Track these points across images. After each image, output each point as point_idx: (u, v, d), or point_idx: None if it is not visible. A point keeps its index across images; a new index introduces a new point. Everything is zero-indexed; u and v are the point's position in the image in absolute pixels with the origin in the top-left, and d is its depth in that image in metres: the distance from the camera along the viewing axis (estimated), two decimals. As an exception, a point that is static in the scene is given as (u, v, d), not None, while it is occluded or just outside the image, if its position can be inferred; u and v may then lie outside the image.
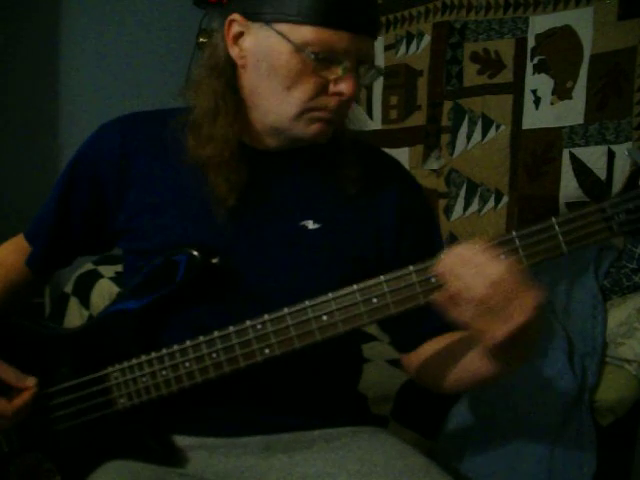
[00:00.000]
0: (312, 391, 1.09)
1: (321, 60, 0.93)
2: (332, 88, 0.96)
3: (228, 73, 1.01)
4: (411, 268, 0.88)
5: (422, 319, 0.96)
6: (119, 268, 2.51)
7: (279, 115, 0.98)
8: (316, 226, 1.05)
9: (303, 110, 0.97)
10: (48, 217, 1.12)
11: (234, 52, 0.99)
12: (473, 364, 0.96)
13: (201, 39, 3.13)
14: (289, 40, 0.93)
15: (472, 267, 0.82)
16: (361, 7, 0.93)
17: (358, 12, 0.93)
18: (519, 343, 0.86)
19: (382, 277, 0.89)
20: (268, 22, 0.94)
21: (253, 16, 0.96)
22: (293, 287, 0.99)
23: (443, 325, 1.05)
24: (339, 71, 0.94)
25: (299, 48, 0.92)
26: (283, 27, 0.93)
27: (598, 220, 0.83)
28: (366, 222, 1.08)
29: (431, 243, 1.13)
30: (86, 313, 2.55)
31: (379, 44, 2.80)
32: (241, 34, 0.98)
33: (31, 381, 1.04)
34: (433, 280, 0.87)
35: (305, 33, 0.92)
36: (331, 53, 0.93)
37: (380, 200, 1.09)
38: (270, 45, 0.95)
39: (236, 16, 0.97)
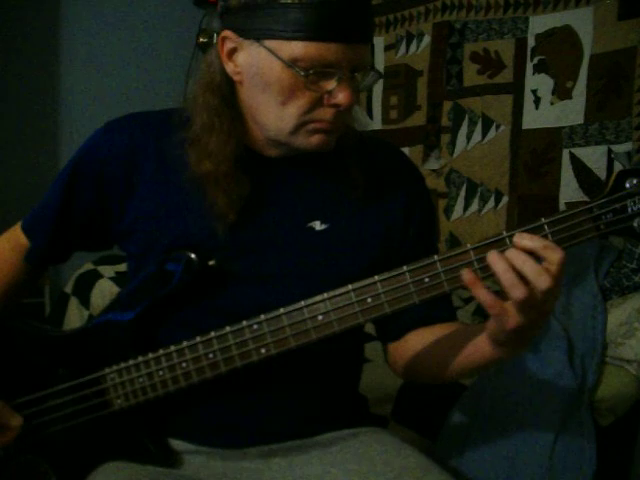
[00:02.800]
0: (313, 397, 1.09)
1: (311, 75, 0.92)
2: (327, 100, 0.95)
3: (224, 89, 1.00)
4: (405, 268, 0.89)
5: (407, 309, 0.96)
6: (119, 268, 2.51)
7: (277, 130, 0.98)
8: (323, 227, 1.05)
9: (299, 124, 0.96)
10: (49, 212, 1.11)
11: (229, 68, 0.99)
12: (473, 352, 0.96)
13: (201, 39, 3.13)
14: (278, 57, 0.92)
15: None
16: (349, 17, 0.91)
17: (347, 22, 0.91)
18: (529, 333, 0.87)
19: (376, 277, 0.90)
20: (258, 39, 0.93)
21: (244, 32, 0.95)
22: (301, 289, 0.98)
23: (427, 316, 1.06)
24: (332, 84, 0.93)
25: (289, 64, 0.91)
26: (272, 43, 0.92)
27: (586, 220, 0.85)
28: (374, 220, 1.08)
29: (430, 240, 1.14)
30: (86, 313, 2.55)
31: (379, 44, 2.80)
32: (235, 50, 0.97)
33: (17, 421, 1.04)
34: (427, 280, 0.88)
35: (294, 49, 0.91)
36: (322, 67, 0.91)
37: (387, 198, 1.09)
38: (261, 61, 0.94)
39: (228, 33, 0.96)
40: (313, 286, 0.94)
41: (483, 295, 0.83)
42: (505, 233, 0.86)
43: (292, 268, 1.03)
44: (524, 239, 0.83)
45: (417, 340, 1.08)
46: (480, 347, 0.94)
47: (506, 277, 0.81)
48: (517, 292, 0.81)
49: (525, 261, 0.81)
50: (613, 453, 1.58)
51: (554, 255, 0.81)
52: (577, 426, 1.52)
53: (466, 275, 0.84)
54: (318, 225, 1.05)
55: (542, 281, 0.80)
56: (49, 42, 3.03)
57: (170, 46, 3.21)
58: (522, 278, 0.81)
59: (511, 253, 0.82)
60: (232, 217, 1.00)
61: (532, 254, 0.83)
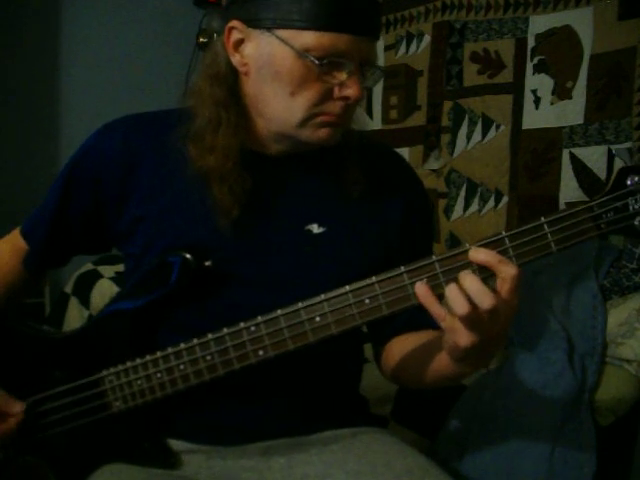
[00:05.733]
0: (313, 396, 1.09)
1: (324, 65, 0.92)
2: (337, 93, 0.95)
3: (230, 81, 1.00)
4: (402, 269, 0.88)
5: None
6: (119, 268, 2.51)
7: (284, 122, 0.98)
8: (321, 230, 1.04)
9: (308, 116, 0.96)
10: (46, 215, 1.11)
11: (235, 59, 0.98)
12: (439, 363, 0.96)
13: (201, 39, 3.13)
14: (291, 46, 0.92)
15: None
16: (362, 9, 0.93)
17: (359, 14, 0.92)
18: (484, 351, 0.86)
19: (374, 278, 0.89)
20: (269, 28, 0.93)
21: (253, 23, 0.95)
22: (299, 292, 0.99)
23: (414, 320, 1.06)
24: (343, 75, 0.93)
25: (301, 54, 0.92)
26: (284, 33, 0.92)
27: (586, 219, 0.84)
28: (372, 223, 1.08)
29: (428, 240, 1.14)
30: (86, 313, 2.55)
31: (379, 44, 2.80)
32: (242, 41, 0.97)
33: (19, 407, 1.04)
34: (425, 281, 0.88)
35: (307, 38, 0.91)
36: (334, 57, 0.92)
37: (386, 200, 1.09)
38: (272, 51, 0.94)
39: (236, 23, 0.96)
40: (311, 289, 0.94)
41: (434, 308, 0.83)
42: (504, 233, 0.85)
43: (290, 271, 1.03)
44: (479, 253, 0.83)
45: (400, 346, 1.08)
46: (443, 360, 0.94)
47: (451, 295, 0.81)
48: (460, 309, 0.80)
49: (471, 281, 0.80)
50: (613, 453, 1.58)
51: (508, 271, 0.81)
52: (577, 426, 1.52)
53: (419, 288, 0.84)
54: (316, 228, 1.04)
55: (485, 301, 0.79)
56: (49, 42, 3.02)
57: (170, 46, 3.21)
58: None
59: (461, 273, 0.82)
60: (236, 212, 1.00)
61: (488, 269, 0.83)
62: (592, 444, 1.48)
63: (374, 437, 1.10)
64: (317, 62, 0.91)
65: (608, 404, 1.62)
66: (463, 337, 0.83)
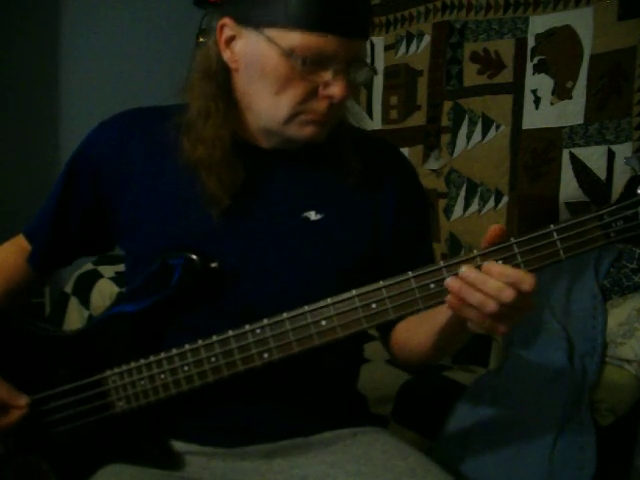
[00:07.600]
0: (312, 397, 1.09)
1: (309, 65, 0.93)
2: (322, 92, 0.96)
3: (220, 76, 1.01)
4: (410, 273, 0.88)
5: None
6: (119, 268, 2.52)
7: (271, 119, 0.99)
8: (319, 217, 1.05)
9: (293, 114, 0.97)
10: (48, 214, 1.12)
11: (226, 55, 1.00)
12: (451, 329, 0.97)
13: (201, 39, 3.13)
14: (277, 45, 0.93)
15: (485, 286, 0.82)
16: (349, 10, 0.93)
17: (346, 15, 0.93)
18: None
19: (381, 282, 0.89)
20: (257, 27, 0.94)
21: (243, 20, 0.96)
22: (296, 279, 0.98)
23: None
24: (328, 75, 0.94)
25: (287, 53, 0.93)
26: (272, 32, 0.93)
27: (596, 227, 0.83)
28: (367, 211, 1.08)
29: (424, 233, 1.14)
30: (86, 313, 2.55)
31: (379, 44, 2.80)
32: (233, 38, 0.98)
33: (23, 400, 1.04)
34: (432, 286, 0.87)
35: (293, 38, 0.92)
36: (319, 58, 0.93)
37: (381, 190, 1.10)
38: (259, 50, 0.95)
39: (227, 20, 0.98)
40: (310, 277, 0.95)
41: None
42: (513, 240, 0.85)
43: (288, 259, 1.04)
44: (495, 267, 0.83)
45: (403, 323, 1.08)
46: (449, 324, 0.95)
47: (475, 297, 0.82)
48: (489, 307, 0.81)
49: (485, 280, 0.82)
50: (613, 453, 1.58)
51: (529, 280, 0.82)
52: (577, 426, 1.52)
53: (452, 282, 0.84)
54: (313, 215, 1.05)
55: (505, 296, 0.81)
56: (49, 42, 3.02)
57: (170, 46, 3.21)
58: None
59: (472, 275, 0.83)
60: (226, 202, 1.01)
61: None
62: (592, 444, 1.48)
63: (374, 437, 1.10)
64: (301, 62, 0.92)
65: (608, 404, 1.62)
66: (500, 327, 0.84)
